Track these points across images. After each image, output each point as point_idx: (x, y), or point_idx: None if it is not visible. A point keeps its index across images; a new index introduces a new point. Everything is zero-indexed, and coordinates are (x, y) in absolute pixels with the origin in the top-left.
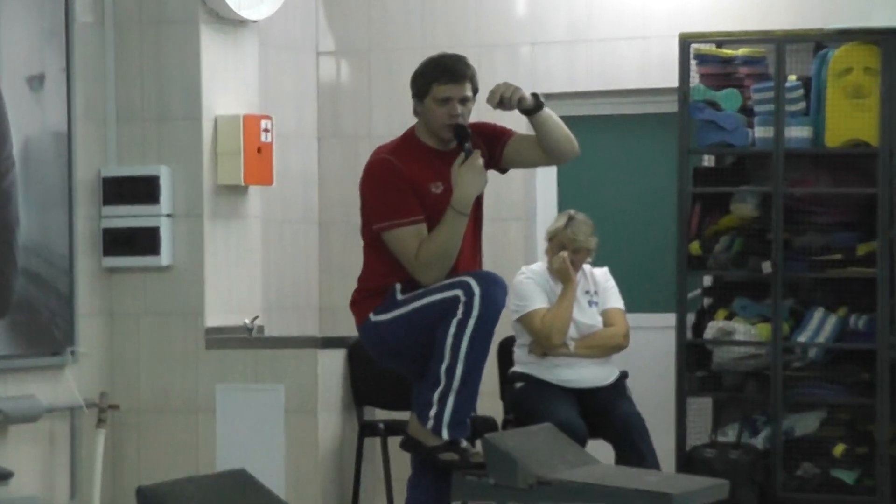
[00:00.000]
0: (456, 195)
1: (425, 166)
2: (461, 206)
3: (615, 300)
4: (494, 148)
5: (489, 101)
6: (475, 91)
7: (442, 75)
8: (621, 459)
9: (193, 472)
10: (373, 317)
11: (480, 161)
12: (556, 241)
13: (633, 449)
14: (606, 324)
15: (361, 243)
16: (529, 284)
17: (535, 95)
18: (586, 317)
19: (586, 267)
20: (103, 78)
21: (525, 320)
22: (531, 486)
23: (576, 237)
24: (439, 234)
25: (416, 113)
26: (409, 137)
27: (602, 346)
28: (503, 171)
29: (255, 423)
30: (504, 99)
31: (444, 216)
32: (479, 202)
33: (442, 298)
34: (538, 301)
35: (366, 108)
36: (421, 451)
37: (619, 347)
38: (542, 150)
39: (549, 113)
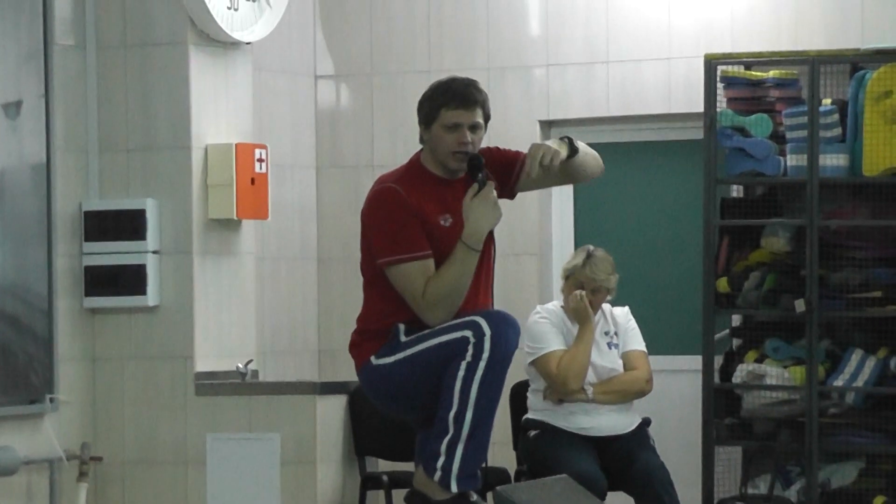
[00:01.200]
0: (468, 229)
1: (433, 197)
2: (473, 242)
3: (637, 342)
4: (509, 175)
5: (529, 169)
6: (487, 118)
7: (451, 100)
8: None
9: None
10: (374, 360)
11: (494, 194)
12: (574, 280)
13: (657, 502)
14: (628, 367)
15: (362, 280)
16: (544, 325)
17: (568, 141)
18: (605, 360)
19: (605, 306)
20: (85, 104)
21: (539, 364)
22: None
23: (595, 276)
24: (449, 270)
25: (421, 140)
26: (415, 166)
27: (623, 392)
28: (513, 196)
29: (248, 475)
30: (544, 167)
31: (454, 252)
32: (490, 236)
33: (450, 339)
34: (554, 343)
35: (367, 136)
36: None
37: (641, 393)
38: (566, 176)
39: (584, 150)
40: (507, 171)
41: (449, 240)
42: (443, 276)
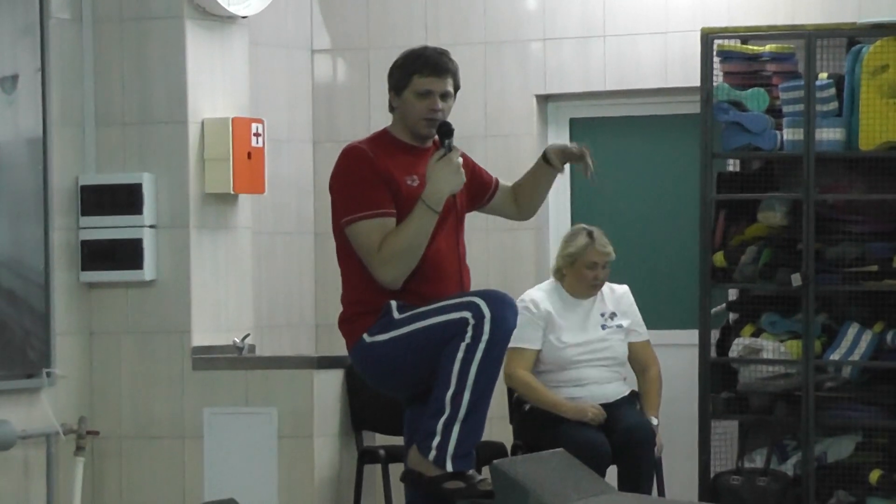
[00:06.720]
0: (428, 189)
1: (401, 160)
2: (432, 202)
3: (644, 329)
4: (482, 191)
5: (573, 149)
6: (457, 88)
7: (424, 67)
8: (621, 476)
9: (179, 503)
10: (367, 337)
11: (459, 160)
12: (583, 262)
13: (633, 465)
14: (639, 357)
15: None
16: (524, 320)
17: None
18: (594, 337)
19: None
20: (81, 79)
21: (508, 356)
22: None
23: (606, 249)
24: (406, 228)
25: (391, 108)
26: (384, 134)
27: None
28: (468, 211)
29: (246, 449)
30: (587, 159)
31: (413, 210)
32: (464, 207)
33: (448, 320)
34: (531, 340)
35: (364, 110)
36: (423, 483)
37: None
38: (518, 204)
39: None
40: (482, 186)
41: (415, 200)
42: (399, 233)
